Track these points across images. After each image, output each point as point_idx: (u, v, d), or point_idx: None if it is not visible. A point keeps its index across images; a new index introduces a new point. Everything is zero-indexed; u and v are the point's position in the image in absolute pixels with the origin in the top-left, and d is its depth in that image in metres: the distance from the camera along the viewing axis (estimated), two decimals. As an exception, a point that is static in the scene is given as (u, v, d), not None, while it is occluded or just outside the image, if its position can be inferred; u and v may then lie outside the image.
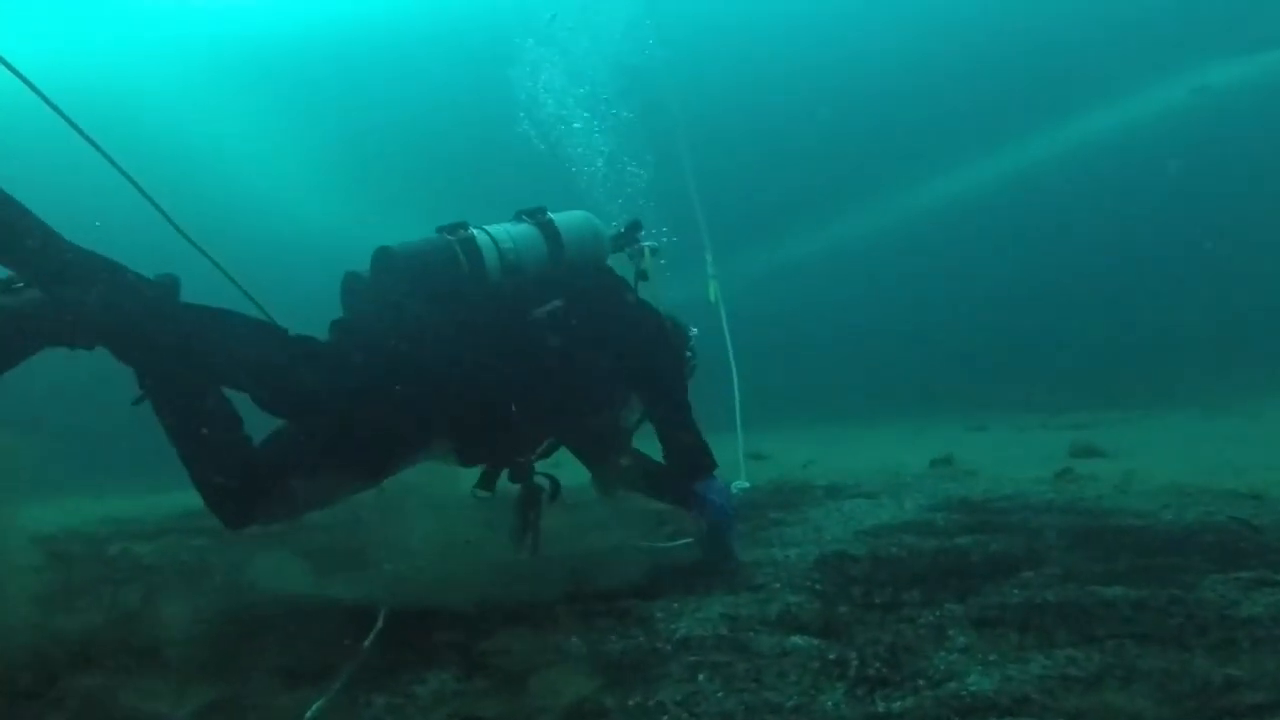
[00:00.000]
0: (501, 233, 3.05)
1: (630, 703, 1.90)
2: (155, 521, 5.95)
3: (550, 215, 3.16)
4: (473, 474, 3.27)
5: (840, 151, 20.64)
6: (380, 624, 2.59)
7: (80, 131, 2.41)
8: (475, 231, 3.01)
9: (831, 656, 2.11)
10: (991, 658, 2.04)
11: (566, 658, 2.24)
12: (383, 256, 2.95)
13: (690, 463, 3.31)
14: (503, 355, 2.91)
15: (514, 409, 2.90)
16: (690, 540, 3.52)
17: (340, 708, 2.01)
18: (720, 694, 1.90)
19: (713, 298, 4.71)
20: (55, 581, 3.24)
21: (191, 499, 3.07)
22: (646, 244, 3.43)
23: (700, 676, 2.02)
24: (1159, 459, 5.94)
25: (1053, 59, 19.74)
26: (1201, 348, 13.39)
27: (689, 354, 3.56)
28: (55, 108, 2.36)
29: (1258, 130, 18.87)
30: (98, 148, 2.45)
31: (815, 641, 2.24)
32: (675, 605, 2.69)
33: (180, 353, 2.54)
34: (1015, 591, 2.68)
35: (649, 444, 3.52)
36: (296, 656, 2.43)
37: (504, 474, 3.27)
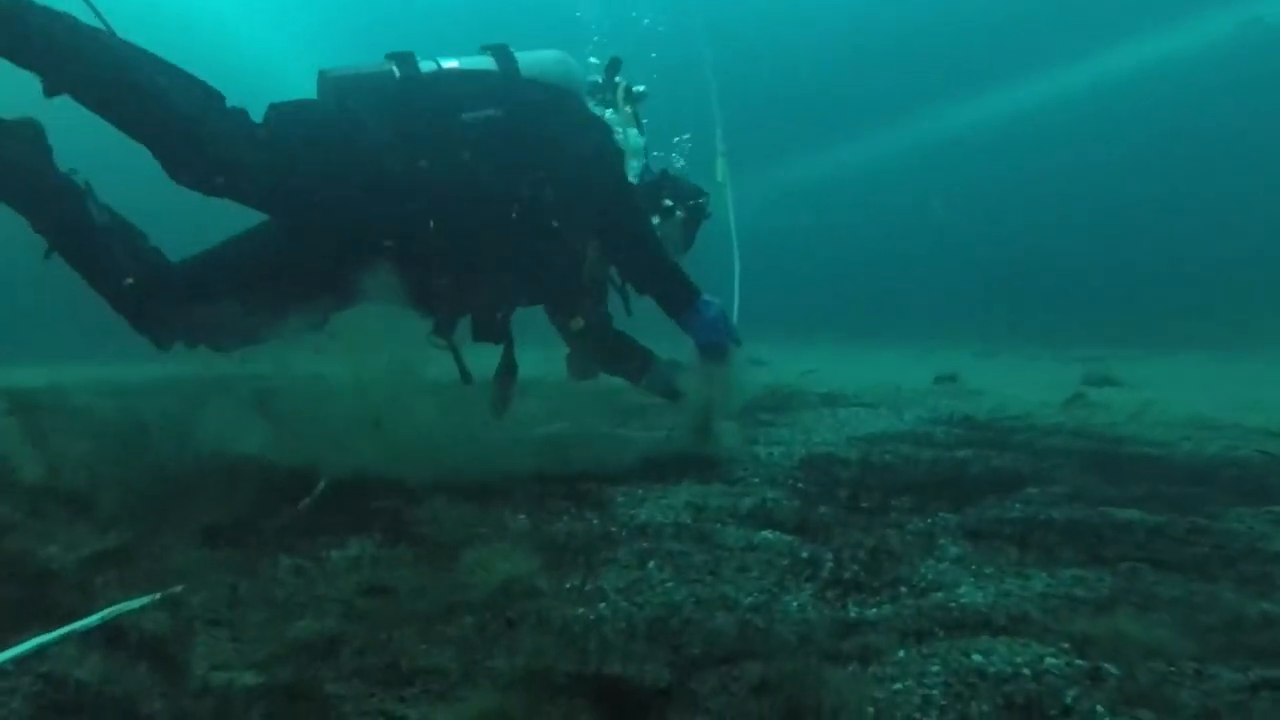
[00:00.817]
0: (449, 61, 2.74)
1: (566, 585, 1.66)
2: (140, 384, 5.74)
3: (517, 52, 2.82)
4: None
5: (863, 71, 19.58)
6: (321, 488, 2.37)
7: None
8: (423, 61, 2.75)
9: (804, 555, 1.86)
10: (987, 570, 1.78)
11: (507, 534, 1.99)
12: (319, 80, 2.77)
13: (668, 296, 3.03)
14: (419, 162, 2.62)
15: (431, 225, 2.60)
16: (668, 432, 3.27)
17: (242, 568, 1.77)
18: (670, 584, 1.65)
19: (719, 177, 4.34)
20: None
21: (187, 366, 2.90)
22: (626, 85, 3.02)
23: (650, 564, 1.77)
24: (1178, 393, 5.63)
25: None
26: (1229, 289, 12.90)
27: (670, 204, 3.18)
28: None
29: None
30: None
31: (787, 538, 1.98)
32: (639, 491, 2.44)
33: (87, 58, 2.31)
34: (1017, 507, 2.42)
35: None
36: (223, 514, 2.23)
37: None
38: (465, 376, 2.92)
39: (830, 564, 1.81)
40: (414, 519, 2.08)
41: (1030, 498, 2.55)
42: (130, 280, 2.52)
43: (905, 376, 6.64)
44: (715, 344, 3.04)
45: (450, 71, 2.76)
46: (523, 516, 2.12)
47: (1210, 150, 18.55)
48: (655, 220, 3.26)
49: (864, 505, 2.41)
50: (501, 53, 2.84)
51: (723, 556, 1.81)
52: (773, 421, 4.02)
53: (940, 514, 2.30)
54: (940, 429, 3.96)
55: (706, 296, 3.08)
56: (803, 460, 3.02)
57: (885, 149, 21.43)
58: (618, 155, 3.00)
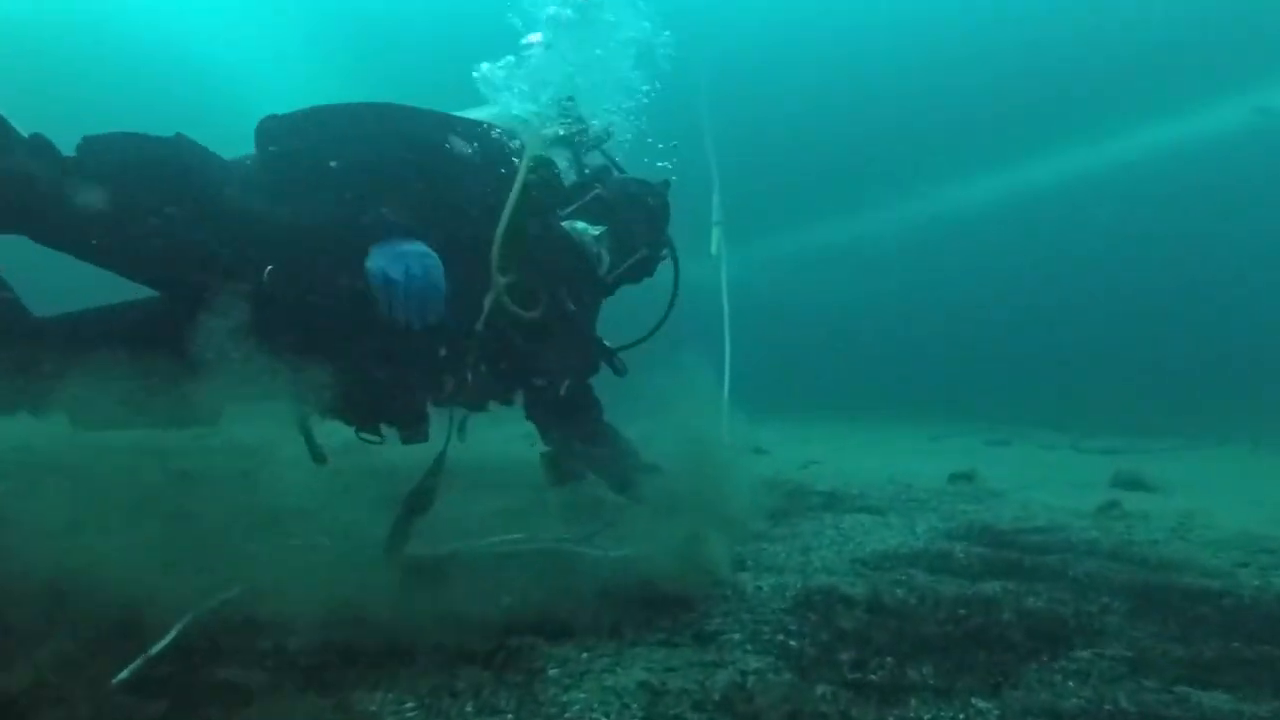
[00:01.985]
0: None
1: None
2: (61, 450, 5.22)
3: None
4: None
5: (880, 141, 19.49)
6: (159, 647, 1.84)
7: None
8: None
9: (789, 793, 1.31)
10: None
11: (376, 743, 1.45)
12: None
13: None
14: (260, 205, 2.22)
15: (266, 273, 2.15)
16: (635, 550, 2.73)
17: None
18: None
19: (714, 250, 3.94)
20: None
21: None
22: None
23: (565, 817, 1.22)
24: (1217, 499, 5.07)
25: (1107, 67, 18.34)
26: (1252, 378, 12.38)
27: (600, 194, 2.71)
28: None
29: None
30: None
31: (769, 759, 1.44)
32: (584, 654, 1.89)
33: None
34: (1070, 685, 1.88)
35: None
36: (23, 675, 1.71)
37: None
38: (317, 457, 2.41)
39: (826, 809, 1.26)
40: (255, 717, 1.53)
41: (1083, 666, 2.01)
42: None
43: (915, 468, 6.10)
44: (388, 276, 2.16)
45: (326, 108, 2.32)
46: (410, 705, 1.57)
47: (1230, 234, 18.30)
48: (597, 231, 2.72)
49: (873, 678, 1.87)
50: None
51: (671, 802, 1.27)
52: (766, 534, 3.48)
53: (973, 700, 1.76)
54: (960, 546, 3.42)
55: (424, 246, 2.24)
56: (798, 598, 2.47)
57: (896, 220, 21.23)
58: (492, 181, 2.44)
